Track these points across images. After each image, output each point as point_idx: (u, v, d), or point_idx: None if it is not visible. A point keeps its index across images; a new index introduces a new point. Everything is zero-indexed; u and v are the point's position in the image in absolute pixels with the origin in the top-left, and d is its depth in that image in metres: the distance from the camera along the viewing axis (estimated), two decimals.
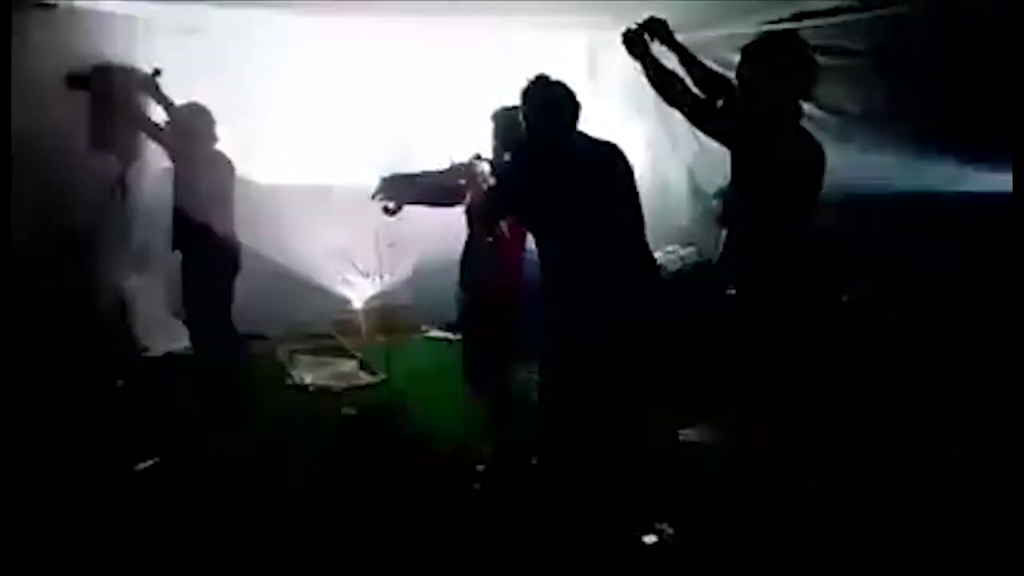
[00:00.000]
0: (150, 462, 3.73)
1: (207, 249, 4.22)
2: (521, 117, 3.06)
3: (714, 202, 5.39)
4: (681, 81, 2.91)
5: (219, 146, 4.42)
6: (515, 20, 5.63)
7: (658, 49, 3.02)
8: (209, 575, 2.98)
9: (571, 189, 2.91)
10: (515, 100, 3.24)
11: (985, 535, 2.96)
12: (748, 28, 4.80)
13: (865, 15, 4.74)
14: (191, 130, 4.30)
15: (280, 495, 3.51)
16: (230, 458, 3.88)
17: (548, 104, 3.01)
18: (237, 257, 4.38)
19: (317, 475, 3.68)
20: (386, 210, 3.58)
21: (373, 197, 3.54)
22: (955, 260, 3.96)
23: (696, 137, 6.24)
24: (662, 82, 2.90)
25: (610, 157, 3.05)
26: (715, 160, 6.08)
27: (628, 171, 3.06)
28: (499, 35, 5.99)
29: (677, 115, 6.61)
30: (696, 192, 6.27)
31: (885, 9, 4.69)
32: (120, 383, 4.64)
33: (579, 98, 3.04)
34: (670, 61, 3.04)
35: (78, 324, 4.58)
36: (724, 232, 5.29)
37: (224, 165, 4.41)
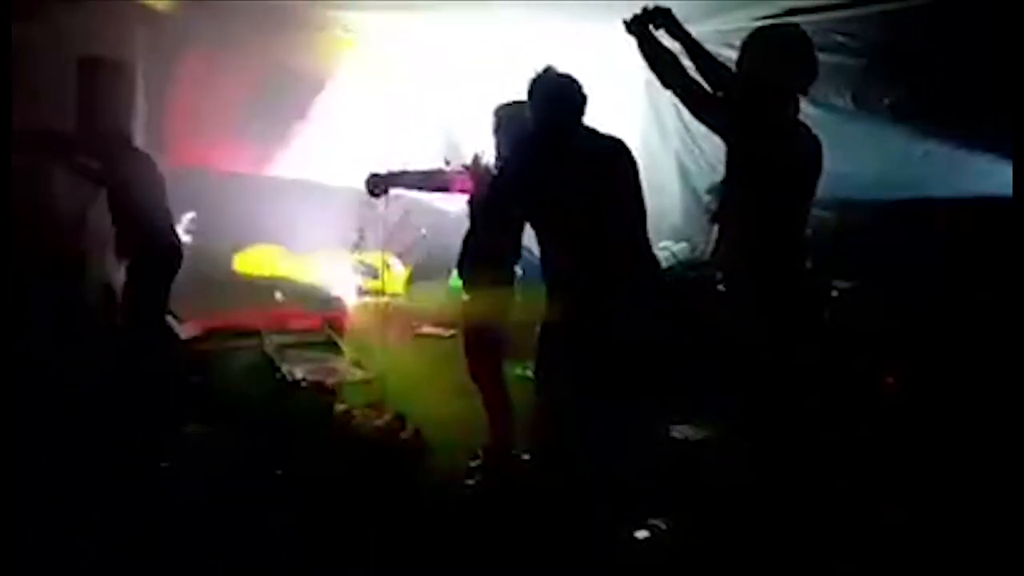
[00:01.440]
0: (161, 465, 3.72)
1: (147, 252, 4.15)
2: (528, 109, 3.02)
3: (706, 198, 5.40)
4: (680, 65, 2.85)
5: (139, 147, 4.34)
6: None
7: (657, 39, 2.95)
8: (200, 571, 2.97)
9: (575, 184, 2.87)
10: (518, 95, 3.23)
11: (984, 535, 2.97)
12: (738, 24, 4.81)
13: (855, 11, 4.77)
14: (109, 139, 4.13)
15: (270, 492, 3.51)
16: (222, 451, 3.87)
17: (555, 96, 2.96)
18: (176, 256, 4.32)
19: (308, 472, 3.68)
20: (372, 192, 3.60)
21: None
22: (951, 258, 3.97)
23: (689, 133, 6.30)
24: (659, 64, 2.85)
25: (615, 152, 3.01)
26: (708, 156, 6.18)
27: (633, 167, 3.02)
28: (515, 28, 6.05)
29: (669, 111, 6.71)
30: (689, 188, 6.30)
31: (875, 6, 4.72)
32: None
33: (586, 91, 2.98)
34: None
35: (71, 321, 4.57)
36: (716, 228, 5.31)
37: (147, 165, 4.25)
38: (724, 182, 2.87)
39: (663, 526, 3.03)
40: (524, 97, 3.51)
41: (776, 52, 2.70)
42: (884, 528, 3.02)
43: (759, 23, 4.40)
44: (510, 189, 3.04)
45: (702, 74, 2.93)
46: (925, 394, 3.92)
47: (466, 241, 3.62)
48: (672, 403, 3.78)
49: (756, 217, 2.75)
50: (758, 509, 2.76)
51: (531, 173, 2.97)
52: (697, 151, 6.28)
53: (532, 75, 2.99)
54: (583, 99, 2.96)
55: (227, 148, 5.93)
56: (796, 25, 2.89)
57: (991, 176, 3.97)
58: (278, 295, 4.54)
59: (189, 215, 5.99)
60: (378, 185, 3.59)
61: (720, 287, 4.05)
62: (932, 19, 4.39)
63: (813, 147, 2.77)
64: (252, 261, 6.18)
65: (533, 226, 3.08)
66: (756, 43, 2.75)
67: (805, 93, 2.77)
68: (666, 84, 2.85)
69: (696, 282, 4.82)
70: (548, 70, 2.99)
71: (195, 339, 5.74)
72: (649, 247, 3.10)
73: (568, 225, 2.89)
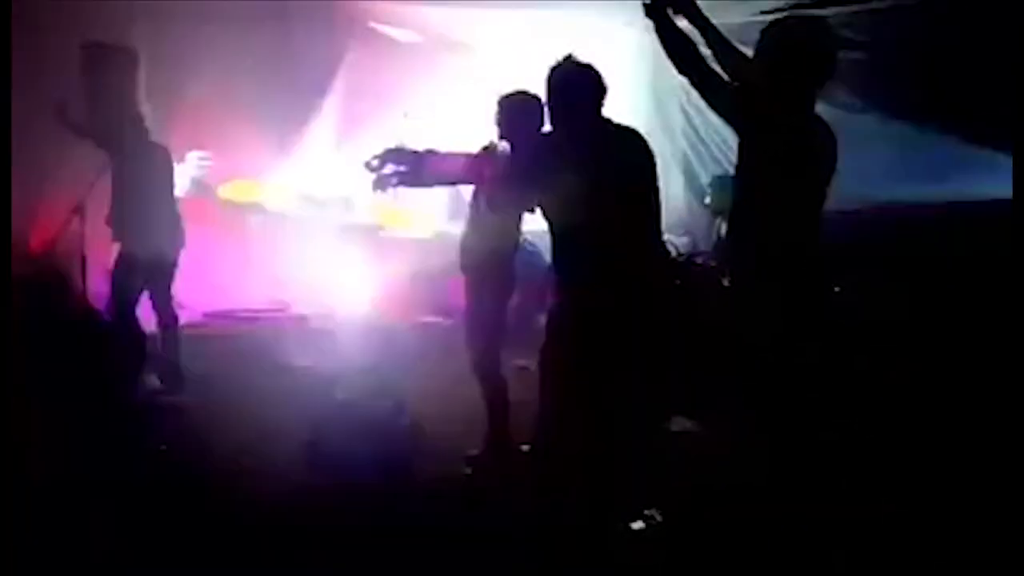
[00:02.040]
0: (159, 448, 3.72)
1: (146, 237, 4.26)
2: (545, 98, 2.95)
3: (709, 191, 5.39)
4: (697, 52, 2.76)
5: (155, 138, 4.45)
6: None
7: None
8: (197, 559, 2.97)
9: (591, 173, 2.79)
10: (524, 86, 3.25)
11: (984, 535, 2.96)
12: (744, 18, 4.80)
13: (860, 7, 4.75)
14: (121, 124, 4.29)
15: (269, 480, 3.51)
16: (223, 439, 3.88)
17: (574, 84, 2.89)
18: (175, 244, 4.44)
19: (307, 460, 3.68)
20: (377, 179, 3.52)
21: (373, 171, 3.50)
22: (953, 256, 3.97)
23: (692, 128, 6.30)
24: (677, 50, 2.74)
25: (633, 145, 2.93)
26: (711, 151, 6.18)
27: (650, 161, 2.93)
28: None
29: (673, 106, 6.68)
30: (692, 181, 6.30)
31: (880, 2, 4.70)
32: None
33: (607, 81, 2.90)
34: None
35: (69, 310, 4.57)
36: (718, 220, 5.31)
37: (160, 156, 4.41)
38: (736, 176, 2.78)
39: (663, 521, 3.03)
40: (526, 88, 3.51)
41: (795, 44, 2.61)
42: (887, 528, 3.02)
43: (765, 17, 4.39)
44: (526, 176, 2.98)
45: (720, 62, 2.84)
46: (923, 391, 3.92)
47: (468, 229, 3.60)
48: (677, 398, 3.77)
49: (768, 212, 2.66)
50: (760, 506, 2.74)
51: (548, 160, 2.91)
52: (700, 146, 6.28)
53: (552, 63, 2.92)
54: (603, 89, 2.89)
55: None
56: (817, 17, 2.80)
57: (995, 174, 3.97)
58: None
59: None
60: (382, 182, 3.48)
61: (726, 282, 4.05)
62: (936, 16, 4.38)
63: (828, 143, 2.70)
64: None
65: (545, 215, 3.00)
66: (775, 34, 2.66)
67: (822, 87, 2.67)
68: (682, 71, 2.76)
69: (702, 276, 4.82)
70: (568, 58, 2.92)
71: (193, 324, 5.78)
72: (661, 241, 3.06)
73: (581, 215, 2.81)
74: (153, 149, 4.39)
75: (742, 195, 2.78)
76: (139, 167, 4.27)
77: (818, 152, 2.67)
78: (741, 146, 2.72)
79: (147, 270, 4.34)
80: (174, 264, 4.45)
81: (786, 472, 2.74)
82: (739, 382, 2.87)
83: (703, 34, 2.87)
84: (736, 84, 2.77)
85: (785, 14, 3.00)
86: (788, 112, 2.63)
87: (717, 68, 2.81)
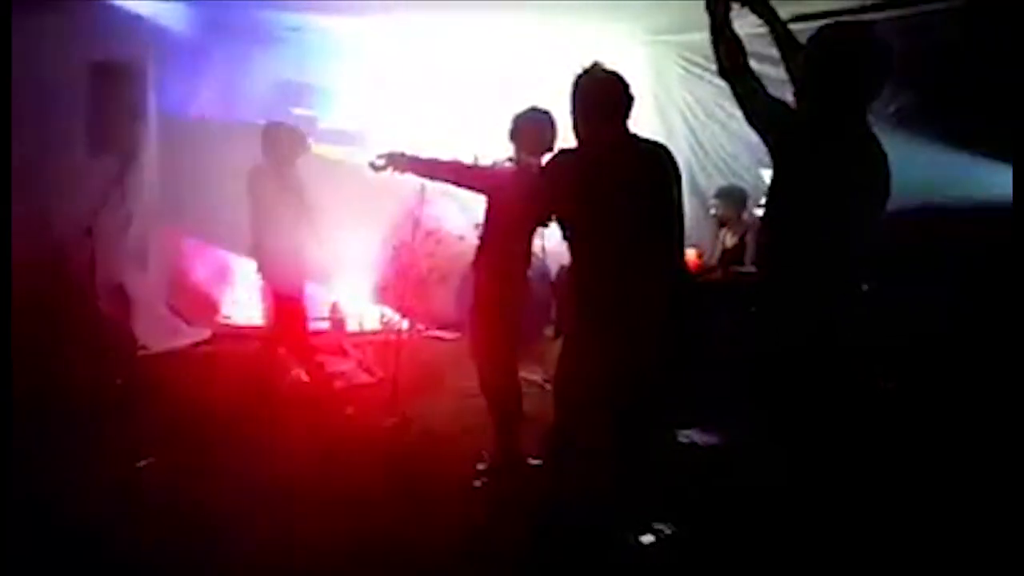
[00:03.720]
0: (146, 461, 3.73)
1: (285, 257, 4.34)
2: (571, 105, 2.88)
3: (713, 203, 5.40)
4: (746, 59, 2.58)
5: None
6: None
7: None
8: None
9: (614, 191, 2.73)
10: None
11: (984, 535, 2.97)
12: (743, 30, 4.80)
13: (863, 17, 4.77)
14: (283, 149, 4.40)
15: (278, 493, 3.52)
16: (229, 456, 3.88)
17: (601, 93, 2.82)
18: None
19: (315, 473, 3.69)
20: (372, 166, 3.53)
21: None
22: (956, 264, 3.96)
23: (696, 138, 6.31)
24: (728, 51, 2.59)
25: (658, 160, 2.87)
26: (715, 161, 6.19)
27: (676, 178, 2.88)
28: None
29: (676, 116, 6.66)
30: (696, 193, 6.30)
31: (881, 12, 4.72)
32: (119, 381, 4.63)
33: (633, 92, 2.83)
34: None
35: (78, 320, 4.60)
36: (723, 231, 5.31)
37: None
38: (769, 196, 2.64)
39: (674, 533, 3.02)
40: (537, 104, 3.54)
41: (845, 55, 2.38)
42: (901, 537, 3.01)
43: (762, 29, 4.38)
44: (547, 194, 2.94)
45: (785, 62, 2.72)
46: (920, 398, 3.90)
47: (481, 244, 3.61)
48: (689, 410, 3.74)
49: (800, 236, 2.48)
50: (772, 517, 2.72)
51: (568, 173, 2.86)
52: (704, 156, 6.28)
53: (579, 71, 2.87)
54: (630, 98, 2.85)
55: None
56: (864, 24, 2.57)
57: (995, 182, 3.97)
58: None
59: None
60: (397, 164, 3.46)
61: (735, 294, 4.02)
62: (937, 25, 4.41)
63: (876, 166, 2.45)
64: None
65: (567, 230, 2.92)
66: (821, 44, 2.44)
67: (872, 99, 2.43)
68: (726, 76, 2.61)
69: (710, 287, 4.81)
70: (596, 65, 2.88)
71: (203, 342, 5.80)
72: (682, 259, 3.02)
73: (604, 232, 2.76)
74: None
75: (773, 215, 2.63)
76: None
77: (861, 176, 2.43)
78: (775, 165, 2.55)
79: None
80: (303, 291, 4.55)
81: (799, 484, 2.71)
82: (752, 394, 2.84)
83: (771, 29, 2.77)
84: (779, 103, 2.56)
85: (831, 21, 2.78)
86: (831, 128, 2.42)
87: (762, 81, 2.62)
